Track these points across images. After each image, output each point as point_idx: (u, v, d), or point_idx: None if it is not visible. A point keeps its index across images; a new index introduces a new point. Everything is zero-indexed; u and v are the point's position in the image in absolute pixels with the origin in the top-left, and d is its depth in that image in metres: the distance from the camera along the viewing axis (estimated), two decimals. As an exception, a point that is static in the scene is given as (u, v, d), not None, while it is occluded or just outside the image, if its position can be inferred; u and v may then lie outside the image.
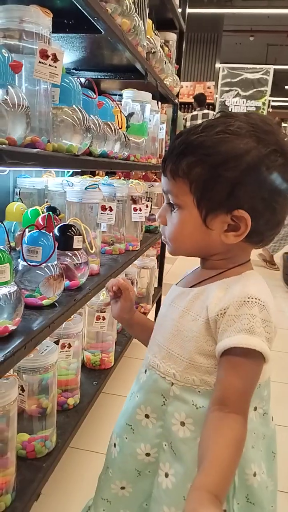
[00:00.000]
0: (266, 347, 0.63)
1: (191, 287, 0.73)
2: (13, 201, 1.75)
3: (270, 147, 0.65)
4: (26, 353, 0.89)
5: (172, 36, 2.31)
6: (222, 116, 0.69)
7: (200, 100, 6.44)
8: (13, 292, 0.89)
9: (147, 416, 0.75)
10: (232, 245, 0.69)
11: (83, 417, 1.39)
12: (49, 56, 0.86)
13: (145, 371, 0.78)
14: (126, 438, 0.78)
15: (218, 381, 0.66)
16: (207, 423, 0.63)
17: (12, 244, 1.40)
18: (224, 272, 0.71)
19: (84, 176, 2.07)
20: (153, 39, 1.76)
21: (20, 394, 1.08)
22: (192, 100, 6.97)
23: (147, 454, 0.75)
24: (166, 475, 0.71)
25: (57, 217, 1.38)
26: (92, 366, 1.70)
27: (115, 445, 0.81)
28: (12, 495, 1.00)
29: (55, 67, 0.87)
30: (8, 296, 0.88)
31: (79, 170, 2.25)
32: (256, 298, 0.64)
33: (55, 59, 0.87)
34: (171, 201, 0.71)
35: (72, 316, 1.31)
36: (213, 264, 0.73)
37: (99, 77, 1.80)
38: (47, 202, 1.71)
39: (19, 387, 1.04)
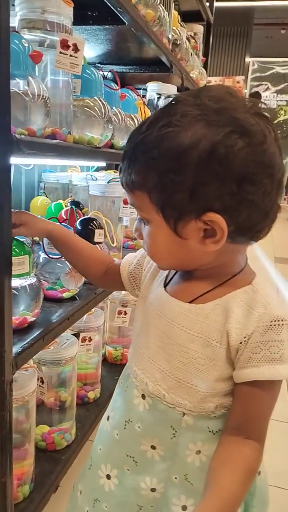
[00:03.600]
0: None
1: (190, 301, 0.61)
2: (38, 195, 1.76)
3: (225, 129, 0.51)
4: (45, 345, 0.89)
5: (199, 28, 2.28)
6: (169, 103, 0.56)
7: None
8: (32, 284, 0.89)
9: (153, 447, 0.64)
10: (220, 251, 0.56)
11: (103, 411, 1.39)
12: (70, 46, 0.85)
13: (143, 396, 0.64)
14: (128, 470, 0.67)
15: (236, 408, 0.59)
16: (220, 447, 0.58)
17: (36, 238, 1.41)
18: (226, 282, 0.60)
19: (109, 171, 2.07)
20: (178, 31, 1.73)
21: (39, 386, 1.09)
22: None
23: (153, 490, 0.65)
24: (184, 508, 0.64)
25: (80, 211, 1.38)
26: (114, 361, 1.70)
27: (108, 476, 0.69)
28: (30, 486, 1.00)
29: (76, 57, 0.86)
30: (27, 288, 0.88)
31: (104, 165, 2.25)
32: (282, 320, 0.55)
33: (76, 49, 0.86)
34: (139, 215, 0.61)
35: (93, 310, 1.31)
36: (206, 273, 0.61)
37: (124, 70, 1.79)
38: (71, 196, 1.72)
39: (38, 379, 1.05)
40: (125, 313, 1.64)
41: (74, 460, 1.17)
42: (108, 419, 0.72)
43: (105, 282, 0.85)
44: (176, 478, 0.63)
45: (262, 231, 0.58)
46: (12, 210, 0.73)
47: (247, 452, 0.57)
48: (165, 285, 0.67)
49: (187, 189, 0.53)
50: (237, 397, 0.59)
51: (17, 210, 0.83)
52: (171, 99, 0.56)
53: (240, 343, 0.57)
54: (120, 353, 1.70)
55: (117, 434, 0.68)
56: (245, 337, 0.56)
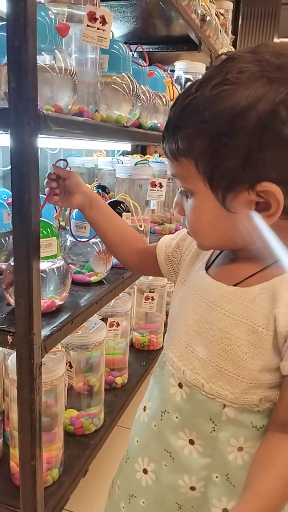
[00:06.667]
0: None
1: (235, 285, 0.56)
2: (64, 180, 1.75)
3: None
4: (73, 329, 0.88)
5: (229, 5, 2.19)
6: (223, 61, 0.50)
7: None
8: (60, 266, 0.88)
9: (191, 442, 0.59)
10: (272, 227, 0.51)
11: (131, 397, 1.38)
12: (98, 19, 0.82)
13: (180, 385, 0.60)
14: (165, 465, 0.62)
15: (283, 402, 0.54)
16: (263, 444, 0.54)
17: (62, 223, 1.40)
18: (274, 264, 0.55)
19: (134, 155, 2.03)
20: (207, 6, 1.66)
21: (68, 370, 1.08)
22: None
23: (192, 488, 0.60)
24: (225, 511, 0.59)
25: (106, 195, 1.36)
26: (141, 347, 1.69)
27: (145, 471, 0.65)
28: (59, 470, 1.00)
29: (104, 30, 0.83)
30: (55, 271, 0.86)
31: (130, 150, 2.21)
32: None
33: (103, 21, 0.82)
34: (181, 187, 0.56)
35: (120, 295, 1.29)
36: (252, 254, 0.56)
37: (151, 50, 1.74)
38: (97, 181, 1.70)
39: (66, 363, 1.04)
40: (152, 298, 1.62)
41: (103, 445, 1.16)
42: (145, 410, 0.68)
43: (138, 266, 0.81)
44: (217, 477, 0.58)
45: None
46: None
47: None
48: (207, 268, 0.62)
49: (241, 155, 0.47)
50: (284, 390, 0.54)
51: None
52: (224, 57, 0.50)
53: None
54: (147, 339, 1.69)
55: (154, 426, 0.64)
56: None
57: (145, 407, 0.68)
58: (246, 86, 0.46)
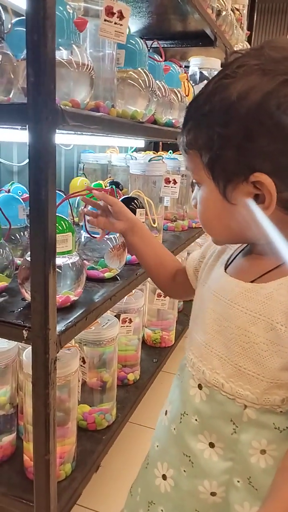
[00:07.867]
0: None
1: (252, 281, 0.56)
2: (77, 176, 1.75)
3: (280, 78, 0.46)
4: (87, 324, 0.88)
5: (244, 0, 2.17)
6: (232, 59, 0.51)
7: None
8: (75, 262, 0.88)
9: (212, 445, 0.58)
10: (277, 222, 0.51)
11: (143, 393, 1.38)
12: (115, 13, 0.81)
13: (199, 386, 0.59)
14: (184, 471, 0.61)
15: None
16: None
17: (76, 219, 1.40)
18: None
19: (148, 152, 2.03)
20: (223, 1, 1.64)
21: (81, 366, 1.08)
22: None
23: (213, 494, 0.59)
24: None
25: (120, 192, 1.36)
26: (153, 344, 1.69)
27: (164, 476, 0.64)
28: (72, 464, 1.01)
29: (121, 25, 0.82)
30: (70, 266, 0.86)
31: (143, 146, 2.21)
32: None
33: (121, 16, 0.82)
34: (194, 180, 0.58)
35: (133, 291, 1.29)
36: (267, 249, 0.55)
37: (165, 45, 1.73)
38: (110, 177, 1.70)
39: (80, 359, 1.04)
40: (165, 295, 1.62)
41: (115, 441, 1.17)
42: (166, 414, 0.67)
43: (175, 288, 0.81)
44: (239, 481, 0.57)
45: None
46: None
47: None
48: (226, 267, 0.62)
49: (234, 146, 0.49)
50: None
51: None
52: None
53: None
54: (159, 336, 1.69)
55: (174, 429, 0.63)
56: None
57: (166, 411, 0.67)
58: (241, 78, 0.48)
